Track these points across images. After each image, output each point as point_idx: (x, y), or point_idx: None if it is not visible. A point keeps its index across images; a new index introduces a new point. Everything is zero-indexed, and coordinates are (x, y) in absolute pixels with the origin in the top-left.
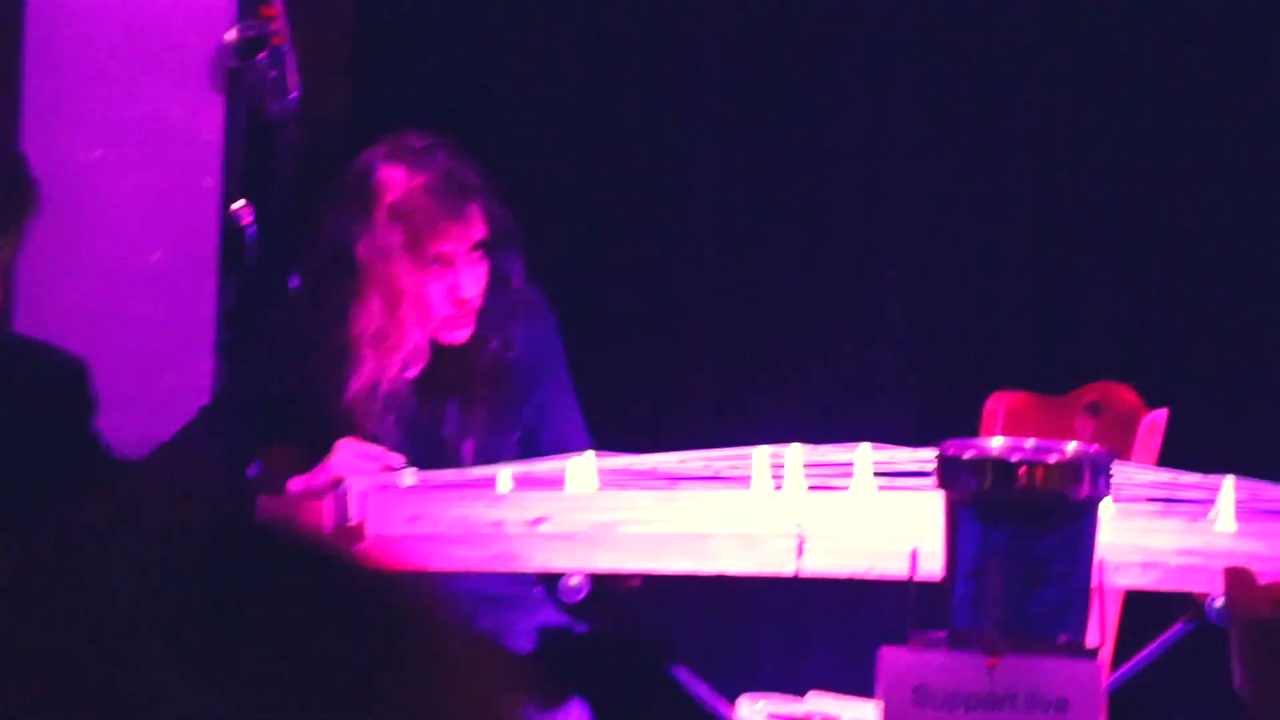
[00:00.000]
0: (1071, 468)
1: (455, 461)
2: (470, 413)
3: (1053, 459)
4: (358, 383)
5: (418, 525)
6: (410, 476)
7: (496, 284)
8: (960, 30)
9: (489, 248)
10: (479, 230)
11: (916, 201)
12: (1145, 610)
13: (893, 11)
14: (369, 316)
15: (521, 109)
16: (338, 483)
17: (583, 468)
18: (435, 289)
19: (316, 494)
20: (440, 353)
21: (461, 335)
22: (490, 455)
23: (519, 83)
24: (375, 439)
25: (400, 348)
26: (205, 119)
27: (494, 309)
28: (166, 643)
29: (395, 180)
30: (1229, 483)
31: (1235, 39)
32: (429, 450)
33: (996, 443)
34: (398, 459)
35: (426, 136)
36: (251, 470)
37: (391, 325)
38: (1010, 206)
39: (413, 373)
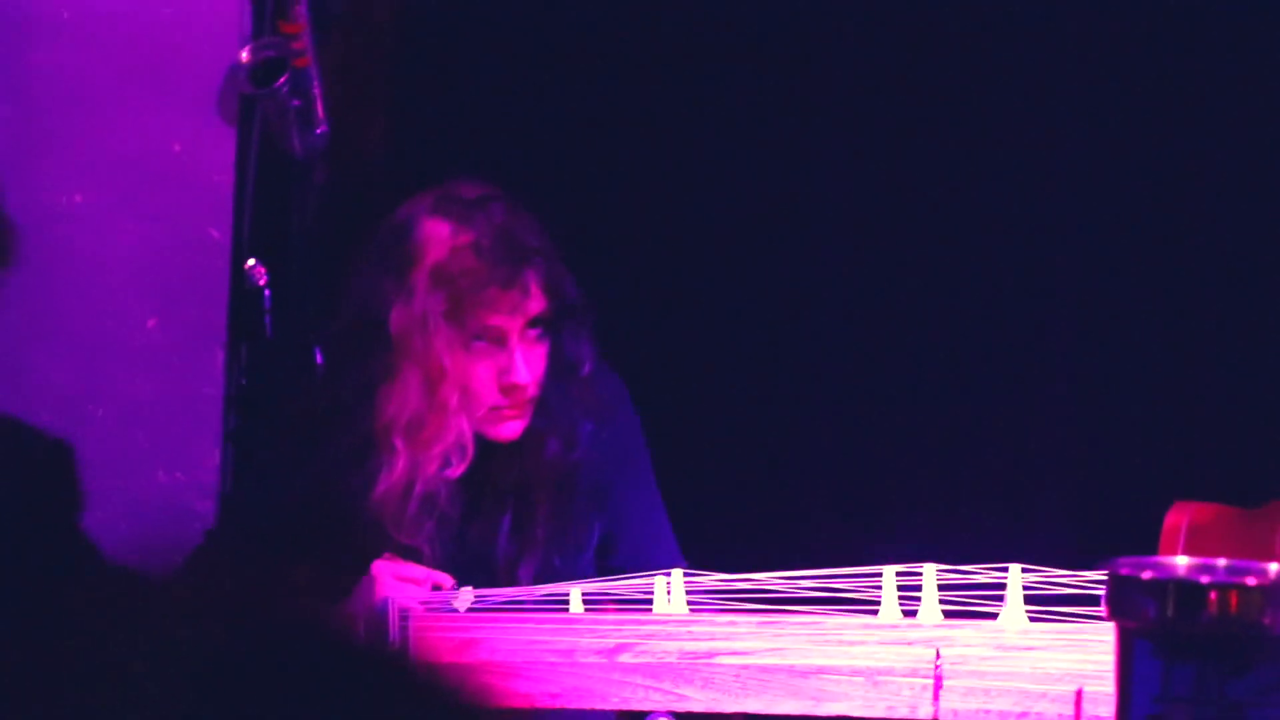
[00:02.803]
0: (1274, 593)
1: (509, 585)
2: (527, 527)
3: (1251, 582)
4: (387, 480)
5: (471, 652)
6: (467, 596)
7: (560, 370)
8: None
9: (549, 324)
10: (537, 303)
11: (1085, 269)
12: None
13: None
14: (402, 400)
15: (589, 149)
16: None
17: (670, 587)
18: (482, 370)
19: (353, 616)
20: (490, 451)
21: (512, 431)
22: (552, 580)
23: (580, 117)
24: (410, 553)
25: (439, 440)
26: (213, 156)
27: (556, 401)
28: None
29: (439, 237)
30: None
31: None
32: (478, 570)
33: (1181, 562)
34: (446, 579)
35: (481, 185)
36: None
37: (429, 412)
38: (1197, 282)
39: (455, 471)
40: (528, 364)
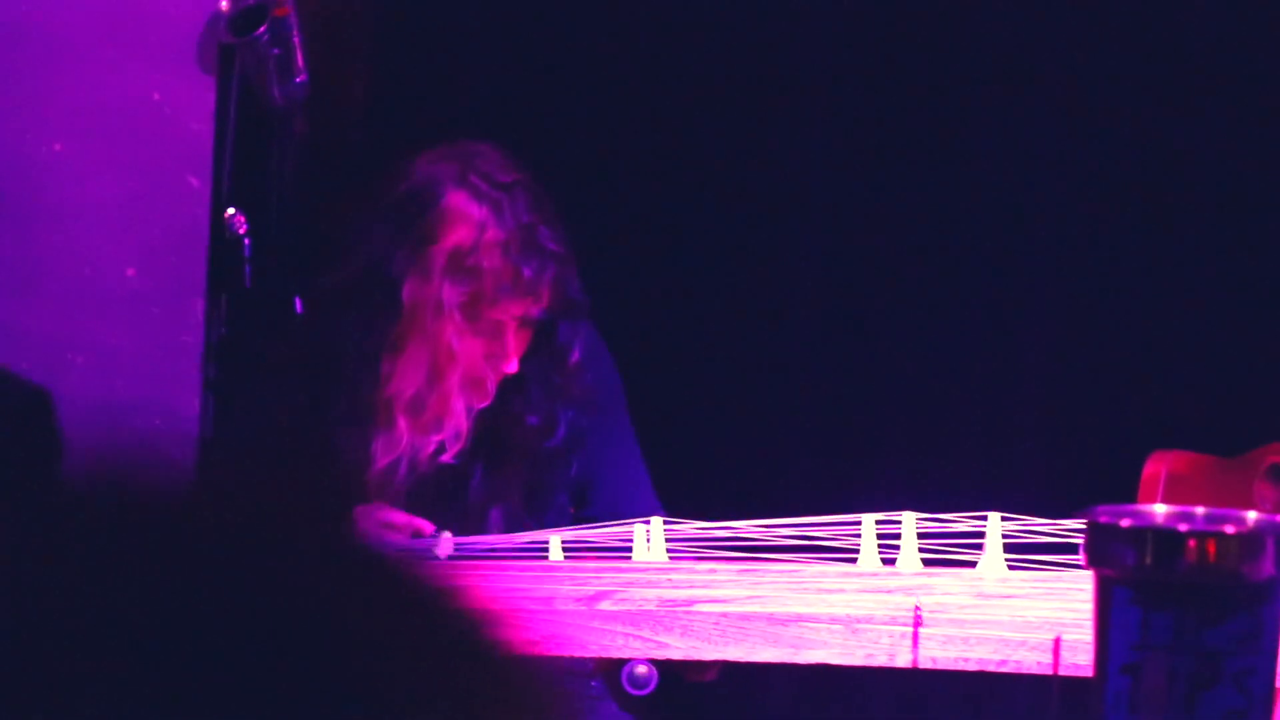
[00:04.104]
0: (1252, 541)
1: (481, 529)
2: (499, 480)
3: (1229, 530)
4: (386, 456)
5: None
6: (447, 543)
7: (548, 355)
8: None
9: (545, 318)
10: (543, 303)
11: (1063, 220)
12: None
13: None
14: (408, 376)
15: (572, 99)
16: None
17: (650, 535)
18: (483, 357)
19: None
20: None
21: (482, 402)
22: (524, 525)
23: (564, 66)
24: (389, 501)
25: (439, 426)
26: (192, 105)
27: (538, 385)
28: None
29: (467, 219)
30: None
31: None
32: (448, 512)
33: (1159, 511)
34: (426, 525)
35: (504, 158)
36: None
37: (433, 394)
38: (1178, 230)
39: (448, 456)
40: (517, 352)
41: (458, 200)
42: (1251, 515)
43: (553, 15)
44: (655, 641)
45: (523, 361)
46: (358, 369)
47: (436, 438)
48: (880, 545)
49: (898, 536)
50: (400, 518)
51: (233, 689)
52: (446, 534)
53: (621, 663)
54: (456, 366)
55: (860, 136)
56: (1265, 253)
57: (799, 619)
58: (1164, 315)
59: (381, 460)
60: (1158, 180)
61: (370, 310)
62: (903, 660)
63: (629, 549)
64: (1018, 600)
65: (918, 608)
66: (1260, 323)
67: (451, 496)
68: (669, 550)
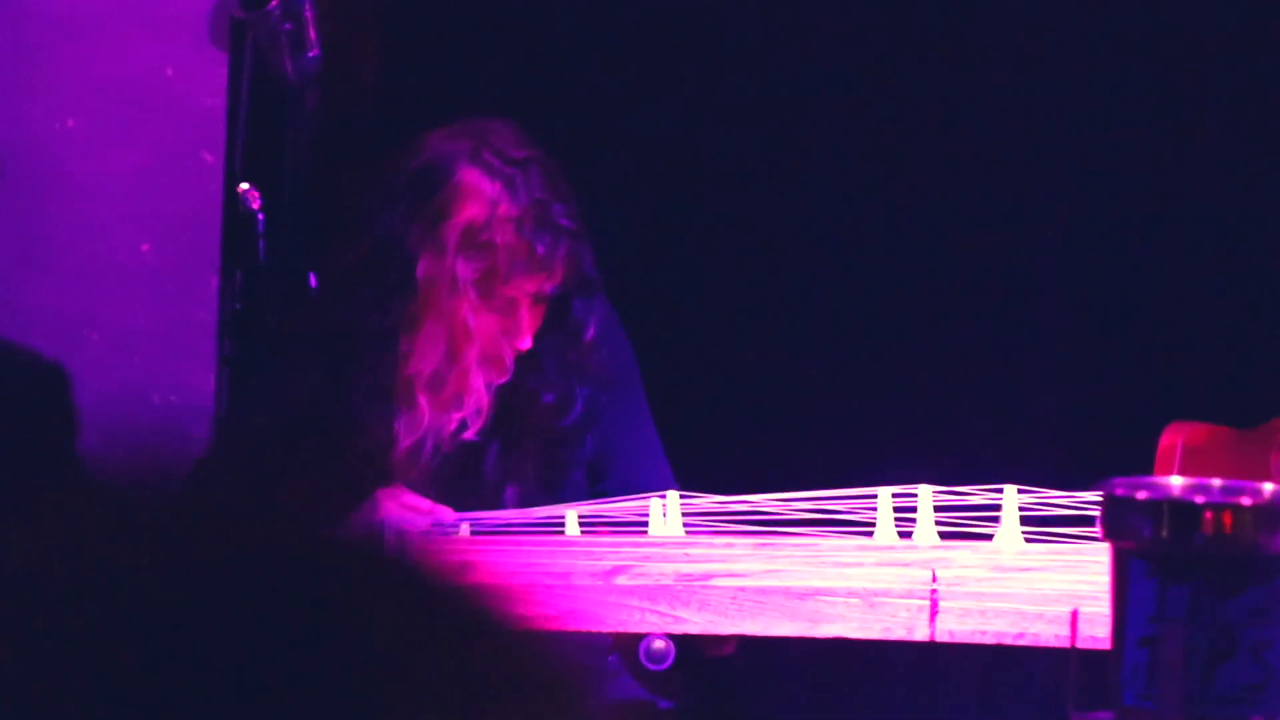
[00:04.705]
0: (1268, 513)
1: (497, 507)
2: (514, 457)
3: (1245, 502)
4: (409, 436)
5: (468, 574)
6: (465, 529)
7: (563, 333)
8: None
9: (560, 294)
10: (557, 279)
11: (1079, 195)
12: None
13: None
14: (426, 354)
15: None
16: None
17: (666, 509)
18: (498, 333)
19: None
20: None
21: (500, 378)
22: (539, 502)
23: (576, 40)
24: (409, 484)
25: (460, 403)
26: (204, 81)
27: (554, 363)
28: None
29: (480, 195)
30: None
31: None
32: (463, 489)
33: (1176, 483)
34: (448, 512)
35: (518, 135)
36: None
37: (451, 370)
38: (1193, 204)
39: (470, 434)
40: (532, 328)
41: (471, 176)
42: (1268, 487)
43: None
44: (672, 616)
45: (537, 338)
46: (375, 347)
47: (458, 415)
48: (897, 519)
49: (914, 510)
50: (424, 504)
51: (247, 677)
52: (465, 524)
53: (639, 638)
54: (473, 343)
55: (878, 114)
56: None
57: (816, 593)
58: (1179, 286)
59: (405, 440)
60: (1174, 155)
61: (385, 288)
62: (921, 634)
63: (645, 523)
64: (1035, 573)
65: (934, 579)
66: (1276, 294)
67: (466, 474)
68: (685, 524)
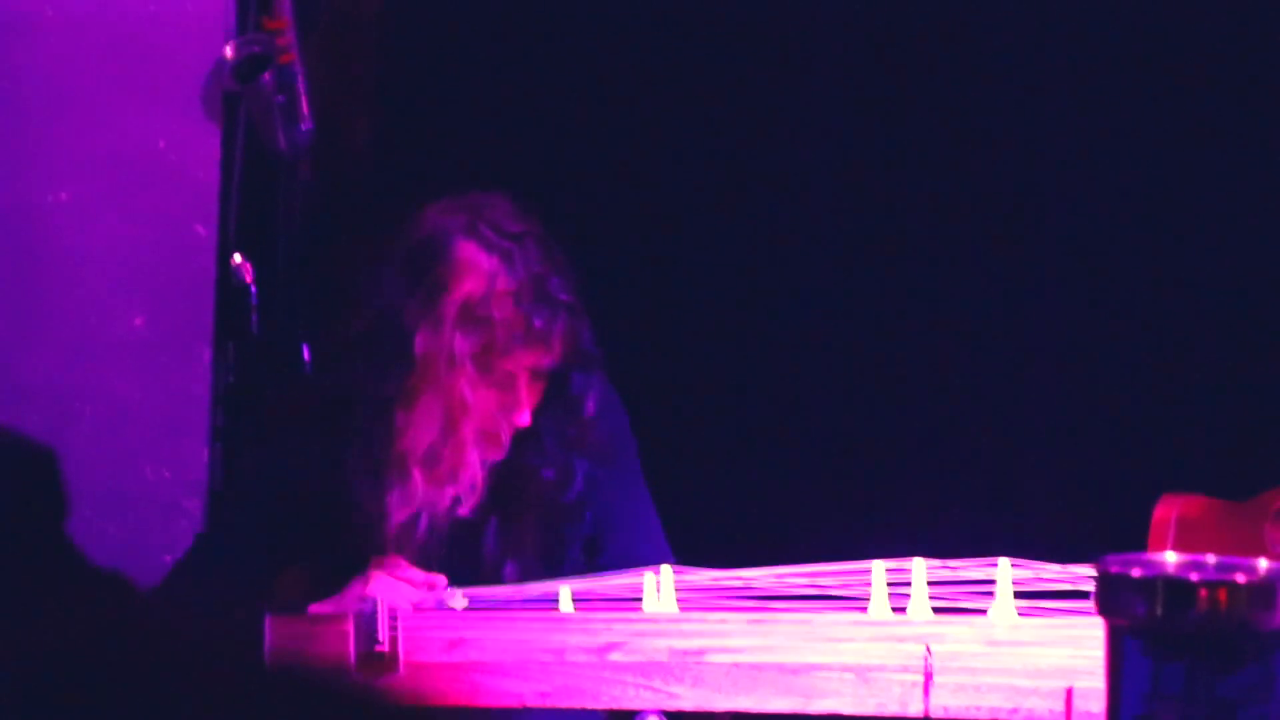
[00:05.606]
0: (1263, 590)
1: (495, 583)
2: (514, 533)
3: (1240, 579)
4: (402, 511)
5: (461, 652)
6: (459, 599)
7: (562, 407)
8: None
9: (558, 370)
10: (555, 354)
11: (1073, 261)
12: None
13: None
14: (422, 428)
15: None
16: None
17: (660, 584)
18: (497, 408)
19: (341, 617)
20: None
21: (496, 455)
22: (537, 577)
23: (566, 111)
24: (405, 555)
25: (455, 478)
26: (198, 153)
27: (554, 438)
28: None
29: (477, 270)
30: None
31: None
32: (462, 565)
33: (1170, 559)
34: (440, 580)
35: (514, 209)
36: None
37: (448, 446)
38: (1186, 274)
39: (464, 509)
40: (531, 405)
41: (468, 251)
42: (1263, 563)
43: (558, 61)
44: (666, 692)
45: (536, 414)
46: (370, 421)
47: (452, 491)
48: (891, 592)
49: (908, 584)
50: (416, 574)
51: None
52: (459, 591)
53: (633, 714)
54: (470, 418)
55: (865, 176)
56: (1277, 295)
57: (810, 668)
58: (1174, 357)
59: (398, 514)
60: (1167, 223)
61: (382, 361)
62: (915, 709)
63: (639, 599)
64: (1030, 648)
65: (929, 654)
66: (1271, 364)
67: (466, 551)
68: (679, 600)
